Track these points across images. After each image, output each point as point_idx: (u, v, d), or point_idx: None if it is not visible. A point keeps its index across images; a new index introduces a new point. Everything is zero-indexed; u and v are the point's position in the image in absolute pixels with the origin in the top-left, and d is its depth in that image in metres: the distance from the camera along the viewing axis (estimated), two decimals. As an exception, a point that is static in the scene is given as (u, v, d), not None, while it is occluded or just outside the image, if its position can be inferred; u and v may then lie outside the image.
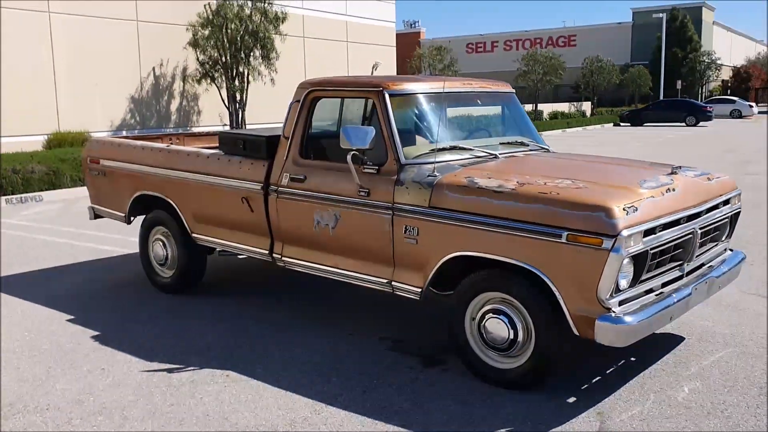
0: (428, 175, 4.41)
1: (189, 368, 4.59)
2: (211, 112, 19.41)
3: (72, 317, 5.65)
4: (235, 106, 18.44)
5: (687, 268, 4.32)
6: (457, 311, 4.31)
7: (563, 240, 3.76)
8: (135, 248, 8.01)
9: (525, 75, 34.67)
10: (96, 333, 5.28)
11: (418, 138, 4.84)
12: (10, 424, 3.85)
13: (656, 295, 4.04)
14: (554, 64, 34.25)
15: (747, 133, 29.94)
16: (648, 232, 3.80)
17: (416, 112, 4.90)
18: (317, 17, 21.29)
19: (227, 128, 18.41)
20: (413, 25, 71.50)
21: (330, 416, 3.90)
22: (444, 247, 4.25)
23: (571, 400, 4.05)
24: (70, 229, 9.45)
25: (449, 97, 4.98)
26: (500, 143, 5.15)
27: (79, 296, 6.25)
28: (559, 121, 32.63)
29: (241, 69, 17.84)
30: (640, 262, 3.83)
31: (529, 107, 35.66)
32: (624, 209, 3.71)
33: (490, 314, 4.14)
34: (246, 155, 5.42)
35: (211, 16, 17.34)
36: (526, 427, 3.73)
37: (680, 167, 4.51)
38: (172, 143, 7.02)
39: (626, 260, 3.68)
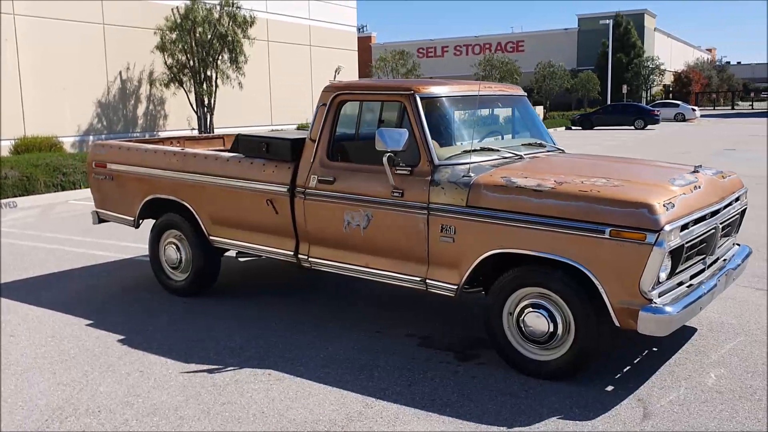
0: (463, 176, 4.56)
1: (228, 368, 4.64)
2: (179, 117, 19.21)
3: (90, 322, 5.61)
4: (204, 110, 18.29)
5: (708, 261, 4.58)
6: (494, 307, 4.47)
7: (606, 236, 3.95)
8: (130, 253, 8.04)
9: (482, 80, 35.22)
10: (121, 337, 5.27)
11: (447, 139, 4.98)
12: (64, 426, 3.85)
13: (687, 287, 4.27)
14: (510, 69, 34.91)
15: (695, 136, 31.01)
16: (683, 227, 4.03)
17: (444, 114, 5.05)
18: (281, 21, 21.28)
19: (195, 132, 18.28)
20: (362, 30, 71.79)
21: (383, 410, 4.01)
22: (483, 245, 4.40)
23: (609, 388, 4.25)
24: (56, 235, 9.30)
25: (473, 100, 5.15)
26: (522, 144, 5.34)
27: (90, 301, 6.21)
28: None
29: (209, 73, 17.70)
30: (675, 255, 4.05)
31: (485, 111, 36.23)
32: (664, 205, 3.92)
33: (530, 309, 4.31)
34: (269, 158, 5.48)
35: (179, 20, 17.18)
36: (574, 414, 3.91)
37: (700, 166, 4.77)
38: (180, 146, 7.02)
39: (666, 254, 3.90)
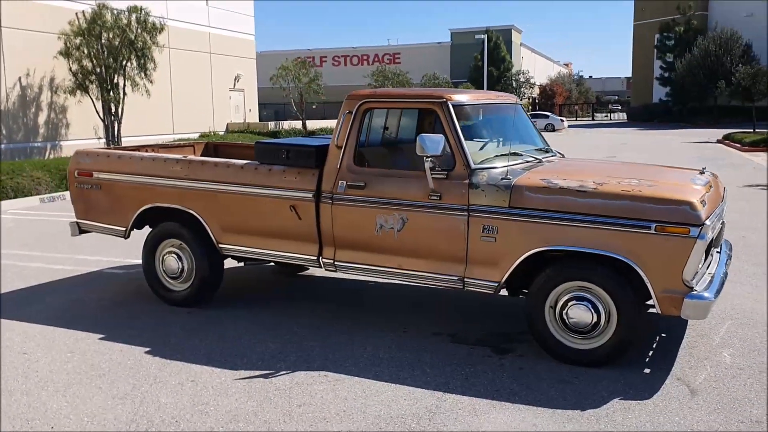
0: (502, 179, 4.84)
1: (281, 373, 4.66)
2: (84, 125, 18.27)
3: (102, 336, 5.42)
4: (111, 118, 17.52)
5: (712, 251, 5.11)
6: (537, 301, 4.78)
7: (652, 231, 4.35)
8: (92, 265, 7.77)
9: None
10: (146, 349, 5.13)
11: (475, 144, 5.24)
12: (149, 438, 3.78)
13: (710, 275, 4.77)
14: (402, 81, 35.73)
15: (570, 144, 33.00)
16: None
17: (471, 121, 5.31)
18: (182, 28, 20.76)
19: (102, 142, 17.51)
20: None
21: (457, 402, 4.20)
22: (528, 243, 4.70)
23: (647, 371, 4.66)
24: (16, 251, 8.72)
25: (492, 108, 5.45)
26: (534, 149, 5.69)
27: (84, 315, 5.96)
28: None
29: (117, 80, 16.99)
30: (707, 248, 4.53)
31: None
32: (701, 202, 4.38)
33: (573, 301, 4.65)
34: (290, 164, 5.53)
35: (85, 25, 16.39)
36: (631, 395, 4.27)
37: (705, 168, 5.32)
38: (151, 152, 6.86)
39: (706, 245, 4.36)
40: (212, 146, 8.02)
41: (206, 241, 5.96)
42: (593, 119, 73.44)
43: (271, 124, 26.61)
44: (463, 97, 5.25)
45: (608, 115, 76.71)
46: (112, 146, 17.22)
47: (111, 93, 16.78)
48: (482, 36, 52.43)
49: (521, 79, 58.45)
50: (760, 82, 33.48)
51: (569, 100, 78.07)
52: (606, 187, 4.59)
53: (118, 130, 17.66)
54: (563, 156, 6.02)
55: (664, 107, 56.87)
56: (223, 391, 4.37)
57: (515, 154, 5.29)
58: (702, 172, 5.18)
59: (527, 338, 5.24)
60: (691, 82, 49.29)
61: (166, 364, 4.85)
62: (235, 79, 24.90)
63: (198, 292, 6.06)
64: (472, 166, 4.94)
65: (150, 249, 6.21)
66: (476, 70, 59.92)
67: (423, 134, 4.89)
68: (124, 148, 6.85)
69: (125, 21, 16.48)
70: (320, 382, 4.51)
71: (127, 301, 6.36)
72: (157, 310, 6.04)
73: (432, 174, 4.95)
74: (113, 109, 17.35)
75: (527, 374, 4.60)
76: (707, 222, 4.29)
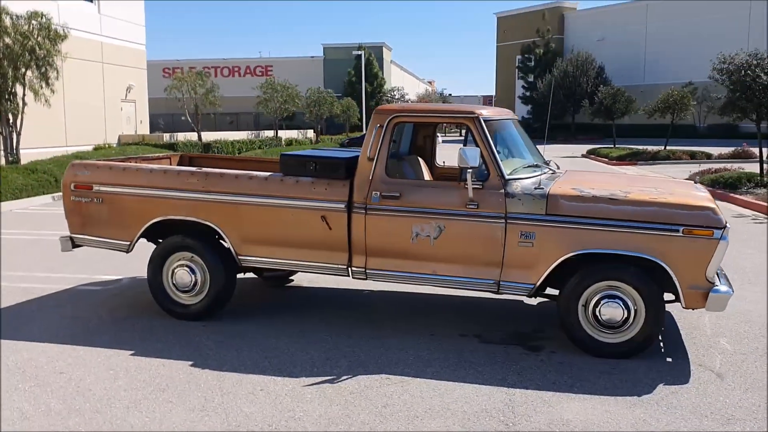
0: (536, 188, 5.25)
1: (343, 378, 4.79)
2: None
3: (132, 351, 5.30)
4: (8, 129, 16.36)
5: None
6: (570, 301, 5.21)
7: (680, 233, 4.91)
8: (65, 283, 7.45)
9: (265, 102, 35.58)
10: (188, 362, 5.08)
11: (503, 156, 5.60)
12: (260, 445, 3.83)
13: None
14: (291, 94, 35.70)
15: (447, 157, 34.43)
16: (723, 225, 5.14)
17: (497, 134, 5.67)
18: (75, 36, 19.73)
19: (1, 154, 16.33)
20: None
21: (525, 395, 4.52)
22: (565, 248, 5.12)
23: (669, 359, 5.21)
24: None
25: (504, 123, 5.86)
26: (541, 161, 6.14)
27: (98, 331, 5.78)
28: (295, 146, 34.05)
29: (15, 89, 15.92)
30: (718, 247, 5.14)
31: (270, 133, 36.64)
32: (718, 208, 5.00)
33: (605, 300, 5.12)
34: (318, 176, 5.66)
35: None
36: (671, 381, 4.76)
37: (697, 179, 5.98)
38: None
39: (725, 245, 4.96)
40: (187, 158, 7.92)
41: (222, 254, 5.95)
42: (461, 135, 76.48)
43: (166, 136, 25.82)
44: (488, 112, 5.62)
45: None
46: (11, 160, 16.20)
47: (9, 103, 15.71)
48: (359, 52, 53.41)
49: (396, 96, 59.93)
50: (619, 101, 36.30)
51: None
52: (634, 195, 5.10)
53: (17, 142, 16.54)
54: (558, 167, 6.52)
55: (525, 124, 59.73)
56: (300, 398, 4.46)
57: (536, 166, 5.72)
58: (695, 183, 5.84)
59: (547, 336, 5.68)
60: (552, 100, 52.62)
61: (221, 375, 4.84)
62: (126, 90, 23.96)
63: (212, 305, 6.01)
64: (506, 176, 5.31)
65: (158, 263, 6.09)
66: (350, 85, 60.81)
67: (463, 147, 5.21)
68: (118, 161, 6.65)
69: (26, 27, 15.53)
70: (387, 384, 4.69)
71: (131, 317, 6.18)
72: (169, 325, 5.93)
73: (465, 184, 5.27)
74: (11, 120, 16.26)
75: (569, 368, 5.01)
76: (728, 225, 4.89)
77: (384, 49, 71.00)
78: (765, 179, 16.20)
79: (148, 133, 27.31)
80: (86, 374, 4.85)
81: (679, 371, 4.96)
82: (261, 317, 6.20)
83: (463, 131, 6.08)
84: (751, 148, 27.87)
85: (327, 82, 67.34)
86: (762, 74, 16.00)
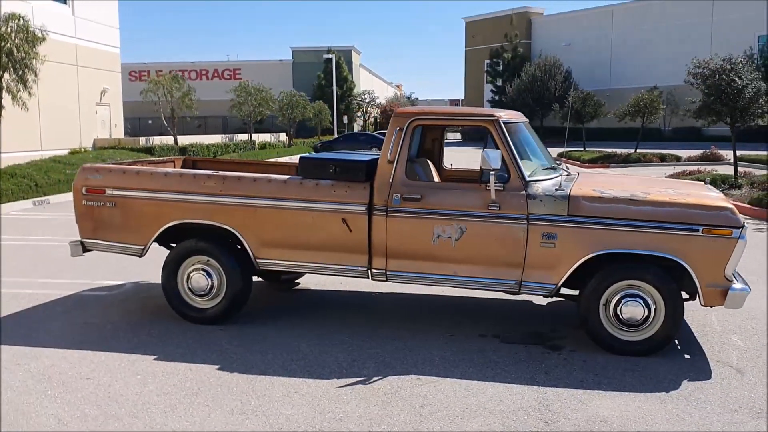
0: (556, 189, 5.35)
1: (374, 379, 4.81)
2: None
3: (155, 356, 5.26)
4: (-14, 133, 16.02)
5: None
6: (591, 301, 5.30)
7: (699, 233, 5.04)
8: (68, 288, 7.38)
9: (239, 106, 35.34)
10: (215, 366, 5.06)
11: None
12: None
13: (729, 270, 5.54)
14: (266, 97, 35.53)
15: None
16: (737, 224, 5.28)
17: (515, 137, 5.74)
18: (49, 38, 19.40)
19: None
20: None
21: (557, 393, 4.59)
22: (587, 248, 5.21)
23: (687, 356, 5.33)
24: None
25: (520, 126, 5.94)
26: (556, 164, 6.24)
27: (115, 337, 5.72)
28: (269, 150, 33.91)
29: (-7, 92, 15.58)
30: (733, 246, 5.28)
31: (243, 137, 36.39)
32: (735, 208, 5.14)
33: (627, 299, 5.22)
34: (338, 178, 5.68)
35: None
36: (694, 376, 4.88)
37: (707, 180, 6.13)
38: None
39: (742, 244, 5.10)
40: (190, 162, 7.87)
41: (239, 257, 5.94)
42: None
43: (143, 140, 25.48)
44: (506, 115, 5.70)
45: (445, 134, 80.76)
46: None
47: (-13, 106, 15.38)
48: (329, 55, 53.41)
49: (367, 99, 60.03)
50: (588, 105, 36.85)
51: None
52: (654, 196, 5.22)
53: (-2, 146, 16.22)
54: (567, 168, 6.63)
55: (494, 128, 60.71)
56: (337, 399, 4.47)
57: (551, 168, 5.82)
58: (706, 183, 5.99)
59: (563, 335, 5.78)
60: (521, 104, 53.14)
61: (251, 379, 4.83)
62: (101, 93, 23.62)
63: (229, 308, 5.99)
64: (527, 178, 5.39)
65: (172, 268, 6.05)
66: (319, 89, 60.73)
67: (486, 149, 5.28)
68: (130, 164, 6.59)
69: (3, 29, 15.22)
70: (419, 384, 4.73)
71: (144, 321, 6.13)
72: (185, 329, 5.90)
73: (486, 186, 5.35)
74: (-10, 124, 15.91)
75: (593, 366, 5.10)
76: (745, 224, 5.04)
77: (353, 52, 71.08)
78: (739, 181, 16.64)
79: (122, 136, 26.97)
80: (113, 379, 4.81)
81: (699, 367, 5.08)
82: (277, 320, 6.19)
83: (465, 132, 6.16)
84: (719, 151, 28.62)
85: (296, 86, 67.17)
86: (737, 78, 16.44)
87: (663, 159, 28.49)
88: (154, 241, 6.14)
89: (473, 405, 4.40)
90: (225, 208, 5.85)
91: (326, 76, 61.91)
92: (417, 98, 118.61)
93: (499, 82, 60.81)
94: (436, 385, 4.73)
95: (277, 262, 5.88)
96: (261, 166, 7.66)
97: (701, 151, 29.18)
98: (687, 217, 5.08)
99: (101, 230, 6.20)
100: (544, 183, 5.43)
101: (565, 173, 5.93)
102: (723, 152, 28.74)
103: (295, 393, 4.58)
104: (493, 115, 5.55)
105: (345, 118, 55.80)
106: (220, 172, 6.02)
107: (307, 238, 5.76)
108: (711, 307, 5.23)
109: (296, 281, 7.51)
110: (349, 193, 5.62)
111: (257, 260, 5.88)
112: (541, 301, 6.79)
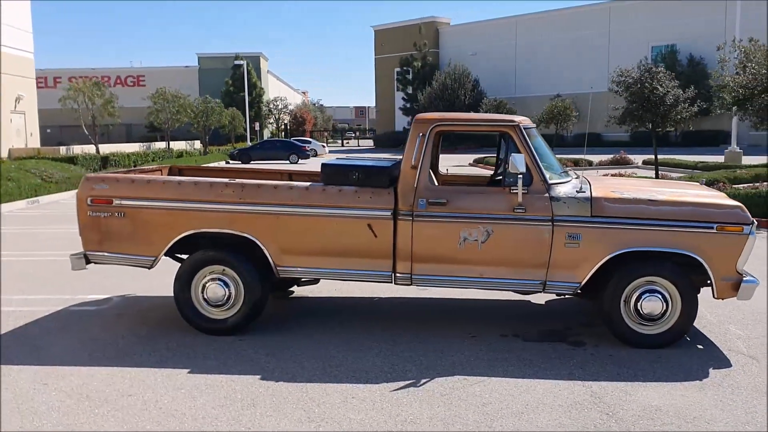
0: (578, 192, 5.57)
1: (423, 382, 4.87)
2: None
3: (188, 369, 5.12)
4: None
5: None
6: (613, 298, 5.55)
7: (714, 230, 5.39)
8: (54, 304, 7.06)
9: (157, 113, 34.27)
10: (256, 376, 4.97)
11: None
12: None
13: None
14: (183, 104, 34.64)
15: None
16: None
17: (533, 142, 5.93)
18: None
19: None
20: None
21: (602, 389, 4.76)
22: (610, 247, 5.46)
23: (700, 346, 5.67)
24: None
25: (533, 131, 6.15)
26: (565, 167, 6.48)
27: (135, 351, 5.51)
28: (186, 158, 33.05)
29: None
30: (739, 242, 5.66)
31: (161, 145, 35.28)
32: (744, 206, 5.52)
33: (646, 294, 5.51)
34: (362, 184, 5.70)
35: None
36: (715, 366, 5.19)
37: (701, 181, 6.53)
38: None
39: (752, 240, 5.48)
40: (176, 170, 7.66)
41: (259, 265, 5.85)
42: (343, 145, 77.37)
43: (63, 149, 24.27)
44: (525, 120, 5.89)
45: (357, 141, 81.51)
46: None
47: None
48: (240, 62, 52.71)
49: (279, 105, 59.57)
50: (501, 113, 38.06)
51: (315, 126, 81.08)
52: (671, 196, 5.54)
53: None
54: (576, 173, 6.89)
55: (407, 135, 61.50)
56: (397, 402, 4.50)
57: (565, 172, 6.05)
58: (706, 184, 6.39)
59: (578, 332, 6.01)
60: (433, 111, 54.16)
61: (301, 387, 4.78)
62: (15, 101, 22.36)
63: (247, 317, 5.89)
64: (549, 181, 5.59)
65: (186, 279, 5.88)
66: (228, 95, 59.81)
67: (513, 154, 5.44)
68: (125, 173, 6.35)
69: None
70: (468, 385, 4.82)
71: (154, 335, 5.93)
72: (204, 341, 5.74)
73: (510, 189, 5.52)
74: None
75: (621, 359, 5.34)
76: (755, 221, 5.42)
77: (261, 59, 70.43)
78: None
79: (38, 145, 25.62)
80: (157, 395, 4.65)
81: (716, 357, 5.42)
82: (295, 329, 6.13)
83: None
84: (627, 155, 30.23)
85: (203, 92, 65.81)
86: (659, 86, 17.48)
87: (576, 163, 29.67)
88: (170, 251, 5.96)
89: (531, 402, 4.53)
90: (244, 216, 5.75)
91: (234, 82, 61.07)
92: (323, 105, 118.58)
93: (410, 90, 61.74)
94: (485, 384, 4.83)
95: (297, 269, 5.83)
96: (248, 173, 7.54)
97: (611, 156, 30.60)
98: (702, 216, 5.42)
99: (108, 242, 5.95)
100: (565, 186, 5.65)
101: (576, 177, 6.17)
102: (631, 156, 30.42)
103: (352, 398, 4.57)
104: (513, 121, 5.73)
105: (257, 125, 55.18)
106: (238, 180, 5.91)
107: (329, 244, 5.74)
108: (723, 299, 5.58)
109: (291, 289, 7.43)
110: (374, 199, 5.66)
111: (278, 268, 5.81)
112: (539, 299, 7.04)
